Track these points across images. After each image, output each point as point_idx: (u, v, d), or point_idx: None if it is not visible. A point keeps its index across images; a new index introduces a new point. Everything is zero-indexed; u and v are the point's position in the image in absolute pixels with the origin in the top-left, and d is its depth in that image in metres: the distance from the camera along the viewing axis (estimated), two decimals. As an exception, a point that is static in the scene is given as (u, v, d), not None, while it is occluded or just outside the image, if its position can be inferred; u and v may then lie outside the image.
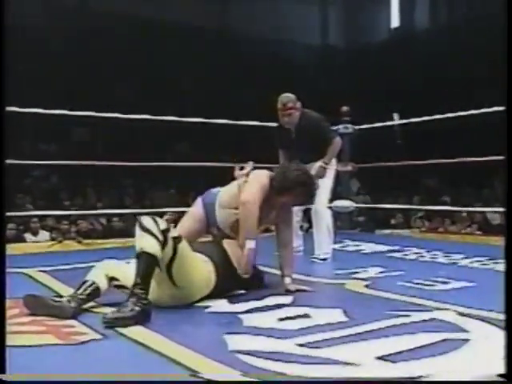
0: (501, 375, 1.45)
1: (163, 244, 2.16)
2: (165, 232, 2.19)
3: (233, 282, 2.50)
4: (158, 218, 2.23)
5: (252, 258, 2.51)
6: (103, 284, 2.28)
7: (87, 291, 2.22)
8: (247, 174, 2.71)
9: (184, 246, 2.28)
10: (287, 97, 3.76)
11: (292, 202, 2.71)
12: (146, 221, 2.20)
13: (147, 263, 2.12)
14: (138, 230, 2.19)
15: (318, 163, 3.72)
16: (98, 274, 2.30)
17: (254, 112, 6.70)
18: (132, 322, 2.00)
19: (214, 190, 2.83)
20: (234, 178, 2.81)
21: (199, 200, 2.87)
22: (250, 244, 2.48)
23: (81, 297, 2.20)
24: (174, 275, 2.24)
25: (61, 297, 2.24)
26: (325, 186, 3.77)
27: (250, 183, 2.63)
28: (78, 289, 2.23)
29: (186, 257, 2.27)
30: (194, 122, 5.39)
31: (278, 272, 2.75)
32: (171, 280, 2.25)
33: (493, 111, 4.17)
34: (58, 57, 10.69)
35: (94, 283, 2.25)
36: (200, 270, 2.35)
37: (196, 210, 2.84)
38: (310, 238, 3.88)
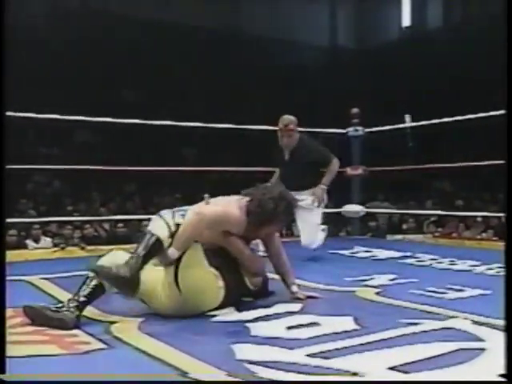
0: (501, 375, 1.45)
1: (173, 234, 2.22)
2: (179, 226, 2.24)
3: (240, 294, 2.49)
4: (177, 213, 2.29)
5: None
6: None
7: (86, 291, 2.18)
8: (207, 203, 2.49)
9: (196, 247, 2.27)
10: (289, 118, 3.92)
11: (275, 230, 2.62)
12: (165, 211, 2.31)
13: (151, 242, 2.18)
14: (154, 216, 2.31)
15: (316, 188, 3.79)
16: None
17: (262, 114, 6.69)
18: (118, 282, 2.11)
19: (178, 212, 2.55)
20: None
21: None
22: (173, 254, 2.24)
23: (82, 299, 2.16)
24: (179, 278, 2.23)
25: (62, 302, 2.21)
26: (313, 224, 3.91)
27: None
28: (80, 288, 2.20)
29: (195, 261, 2.27)
30: (200, 126, 5.39)
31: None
32: (177, 284, 2.24)
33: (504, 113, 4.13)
34: (61, 58, 10.77)
35: (93, 279, 2.20)
36: (209, 283, 2.32)
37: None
38: None
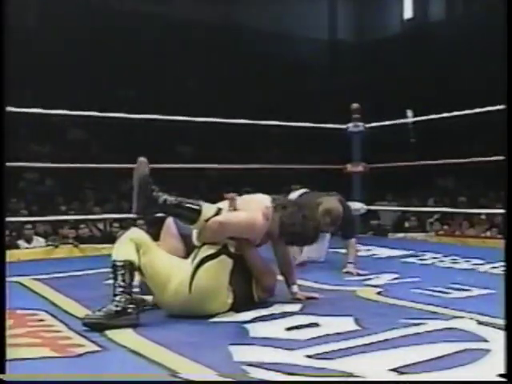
0: (501, 375, 1.45)
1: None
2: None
3: (244, 305, 2.47)
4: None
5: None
6: (136, 260, 2.24)
7: (127, 278, 2.18)
8: (234, 205, 2.49)
9: (228, 261, 2.33)
10: (338, 213, 3.38)
11: None
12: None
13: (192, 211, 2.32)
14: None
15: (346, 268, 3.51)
16: (130, 250, 2.24)
17: (261, 110, 6.69)
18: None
19: None
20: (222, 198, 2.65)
21: (173, 228, 2.69)
22: (195, 241, 2.43)
23: (130, 289, 2.18)
24: (195, 278, 2.26)
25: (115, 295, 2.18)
26: (324, 244, 3.83)
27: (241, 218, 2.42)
28: (115, 278, 2.18)
29: (218, 270, 2.30)
30: (198, 121, 5.39)
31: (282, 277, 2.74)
32: (190, 282, 2.26)
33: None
34: (55, 55, 10.74)
35: (129, 262, 2.20)
36: (219, 296, 2.32)
37: (171, 240, 2.66)
38: None
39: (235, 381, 1.59)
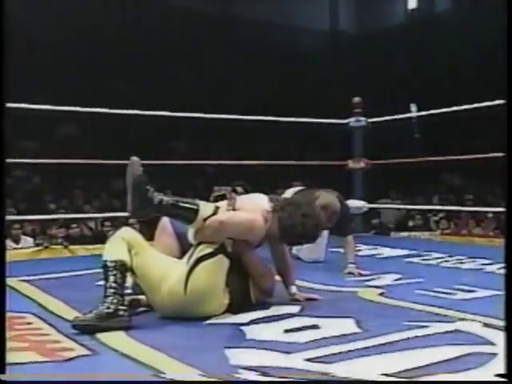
0: (501, 375, 1.45)
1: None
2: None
3: (241, 306, 2.48)
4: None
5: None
6: (129, 260, 2.23)
7: (118, 279, 2.17)
8: (232, 205, 2.47)
9: (224, 261, 2.33)
10: (335, 210, 3.31)
11: None
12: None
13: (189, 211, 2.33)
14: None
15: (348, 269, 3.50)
16: (122, 250, 2.24)
17: (260, 104, 6.67)
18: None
19: None
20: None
21: (169, 227, 2.70)
22: (191, 239, 2.44)
23: (122, 290, 2.18)
24: (190, 280, 2.26)
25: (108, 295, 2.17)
26: (322, 242, 3.79)
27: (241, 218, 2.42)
28: (107, 279, 2.17)
29: (214, 271, 2.30)
30: (192, 117, 5.38)
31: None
32: (186, 283, 2.26)
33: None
34: (45, 49, 10.72)
35: (121, 263, 2.20)
36: (215, 297, 2.33)
37: (166, 240, 2.68)
38: None
39: (231, 381, 1.59)
